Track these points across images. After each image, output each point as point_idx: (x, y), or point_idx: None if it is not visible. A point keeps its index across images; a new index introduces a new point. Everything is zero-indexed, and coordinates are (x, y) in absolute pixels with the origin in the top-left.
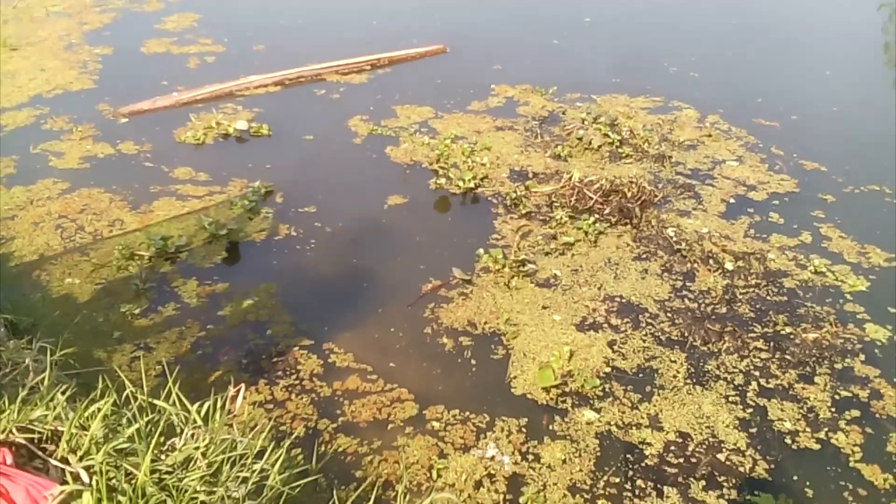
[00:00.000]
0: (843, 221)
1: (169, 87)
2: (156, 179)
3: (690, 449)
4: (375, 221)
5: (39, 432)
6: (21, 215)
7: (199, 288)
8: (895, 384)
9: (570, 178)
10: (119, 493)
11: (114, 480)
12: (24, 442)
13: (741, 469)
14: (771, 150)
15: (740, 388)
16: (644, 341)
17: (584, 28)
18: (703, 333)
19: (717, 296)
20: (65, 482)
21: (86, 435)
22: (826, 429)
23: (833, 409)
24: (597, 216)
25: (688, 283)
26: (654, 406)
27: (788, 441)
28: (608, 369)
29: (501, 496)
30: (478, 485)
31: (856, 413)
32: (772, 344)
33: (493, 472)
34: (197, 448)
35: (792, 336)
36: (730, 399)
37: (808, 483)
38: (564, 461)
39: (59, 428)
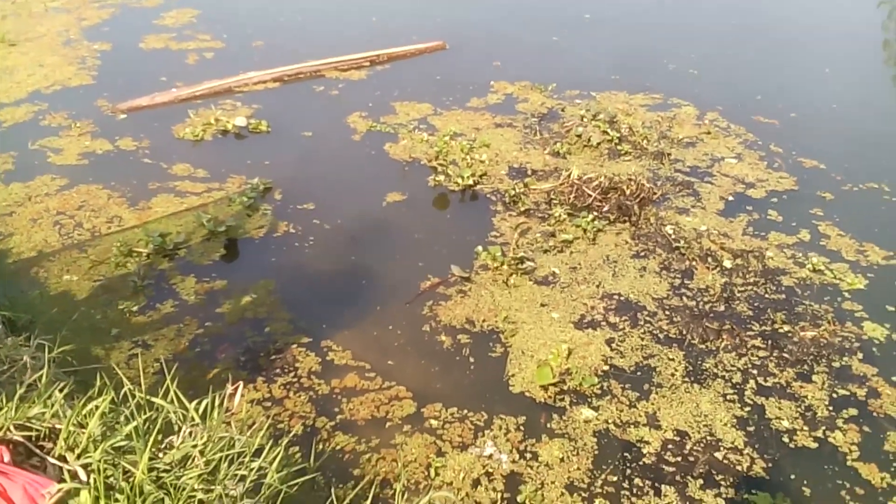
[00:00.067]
0: (842, 219)
1: (168, 84)
2: (154, 176)
3: (688, 447)
4: (374, 218)
5: (37, 430)
6: (19, 212)
7: (198, 285)
8: (893, 383)
9: (568, 176)
10: (117, 492)
11: (111, 478)
12: (21, 440)
13: (739, 467)
14: (770, 147)
15: (738, 386)
16: (642, 339)
17: (583, 25)
18: (701, 331)
19: (715, 294)
20: (62, 480)
21: (83, 433)
22: (824, 427)
23: (831, 408)
24: (595, 214)
25: (686, 281)
26: (652, 404)
27: (786, 439)
28: (606, 367)
29: (499, 495)
30: (476, 483)
31: (853, 412)
32: (770, 342)
33: (490, 470)
34: (195, 446)
35: (790, 334)
36: (728, 397)
37: (805, 482)
38: (562, 459)
39: (57, 426)
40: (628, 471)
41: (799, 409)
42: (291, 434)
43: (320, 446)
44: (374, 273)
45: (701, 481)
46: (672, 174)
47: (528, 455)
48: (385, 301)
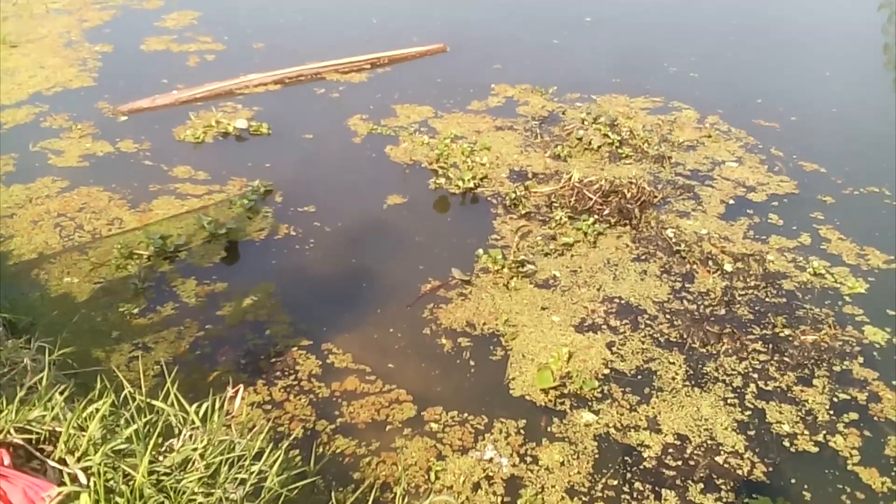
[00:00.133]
0: (843, 223)
1: (169, 86)
2: (155, 178)
3: (689, 451)
4: (375, 221)
5: (37, 433)
6: (20, 213)
7: (198, 287)
8: (894, 387)
9: (569, 179)
10: (117, 495)
11: (112, 482)
12: (21, 442)
13: (739, 472)
14: (770, 151)
15: (739, 390)
16: (643, 343)
17: (584, 28)
18: (701, 335)
19: (715, 297)
20: (62, 483)
21: (84, 436)
22: (824, 432)
23: (831, 412)
24: (596, 217)
25: (687, 285)
26: (653, 408)
27: (787, 444)
28: (607, 371)
29: (500, 498)
30: (476, 487)
31: (854, 416)
32: (770, 346)
33: (491, 474)
34: (195, 449)
35: (791, 338)
36: (728, 401)
37: (806, 486)
38: (563, 463)
39: (57, 428)
40: (629, 475)
41: (800, 413)
42: (292, 437)
43: (320, 450)
44: (374, 276)
45: (701, 485)
46: (673, 177)
47: (529, 459)
48: (385, 304)
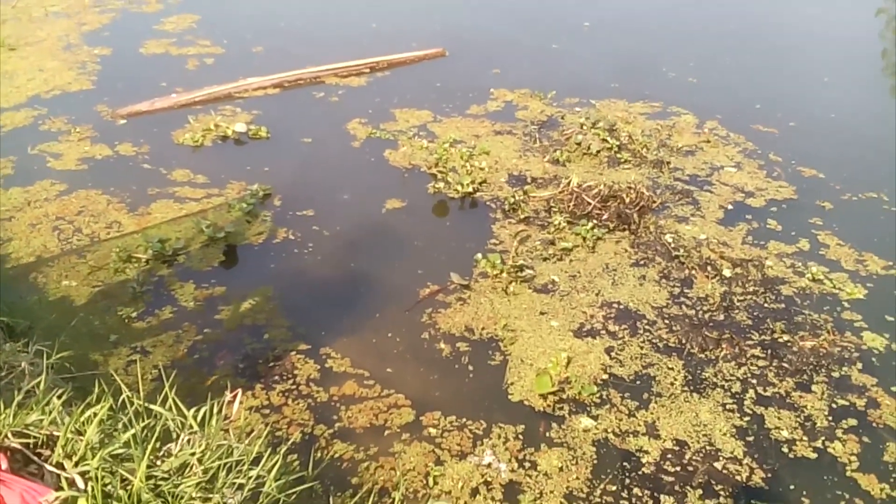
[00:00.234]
0: (841, 229)
1: (167, 89)
2: (154, 181)
3: (687, 457)
4: (373, 225)
5: (35, 437)
6: (18, 217)
7: (197, 291)
8: (892, 393)
9: (568, 184)
10: (114, 500)
11: (109, 486)
12: (19, 447)
13: (738, 477)
14: (769, 156)
15: (737, 396)
16: (641, 348)
17: (583, 33)
18: (700, 341)
19: (714, 303)
20: (60, 488)
21: (81, 440)
22: (823, 438)
23: (830, 418)
24: (595, 222)
25: (685, 290)
26: (652, 414)
27: (785, 450)
28: (605, 376)
29: None
30: (474, 492)
31: (853, 422)
32: (769, 352)
33: (489, 479)
34: (193, 454)
35: (789, 344)
36: (727, 407)
37: (804, 492)
38: (561, 469)
39: (55, 433)
40: (627, 480)
41: (798, 420)
42: (290, 442)
43: (319, 454)
44: (373, 280)
45: (700, 491)
46: (671, 183)
47: (527, 464)
48: (384, 308)
